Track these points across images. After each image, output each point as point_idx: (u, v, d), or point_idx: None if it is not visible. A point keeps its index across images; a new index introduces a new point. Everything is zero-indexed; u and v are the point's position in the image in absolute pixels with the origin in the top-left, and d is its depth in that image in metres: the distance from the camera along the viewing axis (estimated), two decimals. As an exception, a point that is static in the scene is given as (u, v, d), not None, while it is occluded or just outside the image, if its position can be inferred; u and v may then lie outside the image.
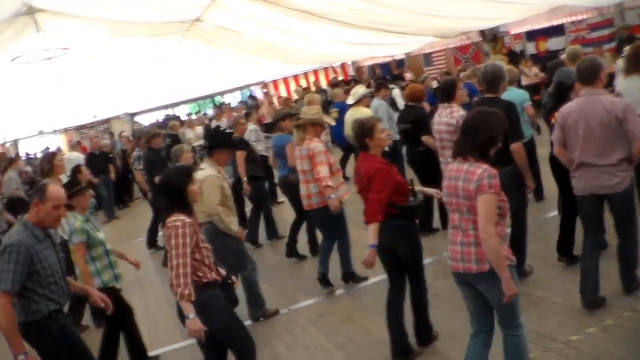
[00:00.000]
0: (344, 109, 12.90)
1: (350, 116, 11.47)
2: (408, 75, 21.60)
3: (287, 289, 8.91)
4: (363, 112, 11.06)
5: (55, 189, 5.24)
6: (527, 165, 6.96)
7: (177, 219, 4.94)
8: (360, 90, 12.16)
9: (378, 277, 7.81)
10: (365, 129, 6.00)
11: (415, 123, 9.66)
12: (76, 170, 9.76)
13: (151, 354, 7.46)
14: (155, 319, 8.92)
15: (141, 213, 16.72)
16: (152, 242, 12.77)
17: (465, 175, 4.52)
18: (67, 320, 5.45)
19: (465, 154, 4.58)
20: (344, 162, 14.34)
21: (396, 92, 16.46)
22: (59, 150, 24.66)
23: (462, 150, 4.61)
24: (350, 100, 12.13)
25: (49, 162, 9.25)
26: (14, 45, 19.50)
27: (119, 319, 6.88)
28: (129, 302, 7.38)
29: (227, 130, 9.07)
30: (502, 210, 4.54)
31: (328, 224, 8.27)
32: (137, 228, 14.24)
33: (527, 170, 6.94)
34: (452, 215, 4.75)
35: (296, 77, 30.02)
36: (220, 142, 7.73)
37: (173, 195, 5.08)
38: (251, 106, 24.30)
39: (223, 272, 5.41)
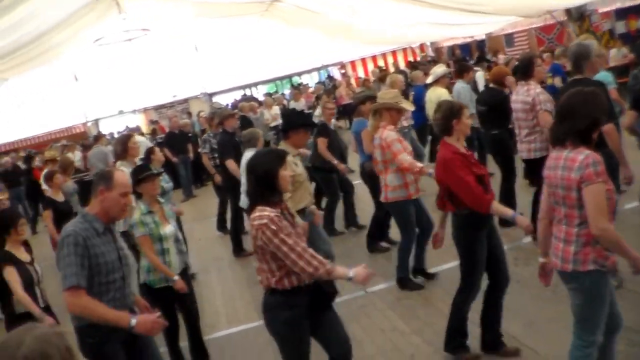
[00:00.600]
0: (421, 92, 12.54)
1: (429, 96, 11.24)
2: (501, 57, 20.90)
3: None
4: (440, 93, 10.83)
5: (122, 175, 4.76)
6: (621, 148, 6.56)
7: (262, 215, 4.36)
8: (439, 69, 11.76)
9: (456, 262, 7.65)
10: (454, 110, 5.61)
11: (491, 106, 9.36)
12: (149, 152, 9.47)
13: (228, 331, 7.55)
14: (233, 297, 8.97)
15: (213, 195, 16.84)
16: (222, 226, 12.39)
17: (564, 163, 4.14)
18: (112, 338, 4.54)
19: (562, 140, 4.18)
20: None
21: (479, 75, 15.95)
22: (137, 129, 25.15)
23: (559, 136, 4.21)
24: (428, 80, 11.83)
25: (123, 144, 8.83)
26: (96, 27, 19.85)
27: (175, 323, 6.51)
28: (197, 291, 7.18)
29: (305, 111, 8.88)
30: (609, 202, 4.08)
31: (402, 219, 7.77)
32: (214, 206, 14.31)
33: (622, 155, 6.54)
34: (556, 208, 4.36)
35: (374, 58, 29.80)
36: (295, 122, 7.50)
37: (261, 180, 4.50)
38: (329, 87, 24.23)
39: None
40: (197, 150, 18.63)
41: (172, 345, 6.64)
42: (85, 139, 24.47)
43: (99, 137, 20.20)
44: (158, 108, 28.96)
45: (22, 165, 21.19)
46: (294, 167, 6.81)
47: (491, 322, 5.78)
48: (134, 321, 4.38)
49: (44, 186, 12.49)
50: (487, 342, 5.82)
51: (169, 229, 6.49)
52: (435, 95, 10.99)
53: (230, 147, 10.77)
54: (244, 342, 7.44)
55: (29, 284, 6.28)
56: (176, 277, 6.29)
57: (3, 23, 13.37)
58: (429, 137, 13.32)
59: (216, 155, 11.71)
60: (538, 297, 5.86)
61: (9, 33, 15.61)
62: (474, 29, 23.40)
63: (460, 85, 11.50)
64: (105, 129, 28.15)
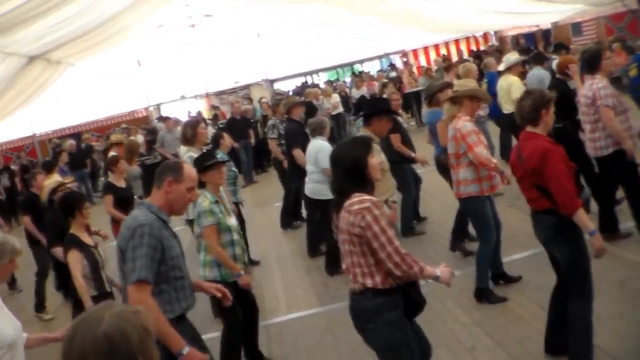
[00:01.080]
0: (495, 79, 12.08)
1: (500, 84, 11.01)
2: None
3: (426, 261, 8.50)
4: (512, 81, 10.60)
5: (190, 169, 4.52)
6: None
7: (363, 199, 4.08)
8: (512, 56, 11.44)
9: (518, 254, 7.53)
10: (545, 100, 5.22)
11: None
12: (218, 137, 9.45)
13: (288, 316, 7.62)
14: (293, 284, 9.00)
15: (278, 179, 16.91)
16: (288, 223, 11.93)
17: None
18: (186, 331, 4.41)
19: None
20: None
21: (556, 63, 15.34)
22: (199, 114, 25.40)
23: None
24: (501, 67, 11.41)
25: (193, 129, 8.65)
26: (160, 13, 20.09)
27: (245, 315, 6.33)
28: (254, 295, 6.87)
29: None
30: None
31: (478, 217, 7.14)
32: (274, 193, 14.35)
33: None
34: None
35: (436, 47, 29.51)
36: (380, 109, 7.25)
37: (350, 171, 4.21)
38: (390, 75, 24.08)
39: None
40: (258, 136, 18.77)
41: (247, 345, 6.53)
42: (147, 123, 24.86)
43: (165, 119, 20.49)
44: (219, 94, 29.17)
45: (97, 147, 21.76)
46: (381, 155, 6.59)
47: (561, 325, 5.40)
48: (185, 350, 4.07)
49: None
50: (553, 346, 5.51)
51: (233, 221, 6.32)
52: (507, 83, 10.77)
53: (298, 135, 10.60)
54: (303, 327, 7.47)
55: (95, 268, 6.29)
56: (242, 272, 6.16)
57: (70, 10, 13.61)
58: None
59: (283, 142, 11.56)
60: (604, 292, 5.70)
61: (75, 19, 15.91)
62: (540, 18, 22.96)
63: (541, 72, 11.09)
64: (166, 113, 28.48)
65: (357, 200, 4.09)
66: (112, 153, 12.04)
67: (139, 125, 23.44)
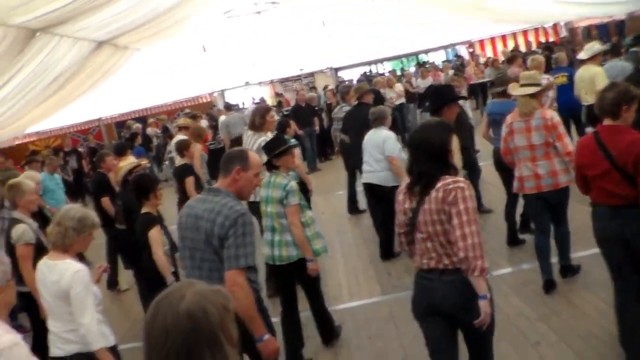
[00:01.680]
0: (571, 74, 11.70)
1: (581, 74, 10.72)
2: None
3: (490, 252, 8.27)
4: (597, 72, 10.32)
5: (255, 156, 4.66)
6: None
7: (458, 180, 4.11)
8: (595, 45, 11.08)
9: (586, 252, 7.39)
10: (630, 95, 5.02)
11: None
12: (285, 125, 9.60)
13: (351, 304, 7.66)
14: (356, 271, 8.99)
15: (342, 167, 16.86)
16: (354, 208, 12.11)
17: None
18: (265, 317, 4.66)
19: None
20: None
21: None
22: (262, 100, 25.54)
23: None
24: (582, 55, 11.00)
25: (262, 117, 8.65)
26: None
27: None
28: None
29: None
30: None
31: (566, 205, 7.11)
32: (337, 181, 14.37)
33: None
34: None
35: (503, 38, 29.08)
36: (450, 97, 7.27)
37: (436, 154, 4.20)
38: (456, 66, 23.84)
39: None
40: (322, 124, 18.77)
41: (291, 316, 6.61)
42: (210, 109, 25.11)
43: (230, 106, 20.72)
44: (283, 81, 29.28)
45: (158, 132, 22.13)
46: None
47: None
48: (266, 337, 4.31)
49: (174, 154, 12.87)
50: None
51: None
52: (590, 73, 10.46)
53: (355, 121, 10.84)
54: (365, 315, 7.45)
55: (172, 245, 6.46)
56: (314, 258, 6.28)
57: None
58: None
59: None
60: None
61: (142, 6, 16.15)
62: (614, 8, 22.34)
63: (617, 63, 10.84)
64: (230, 99, 28.73)
65: (452, 180, 4.10)
66: (178, 136, 12.46)
67: (203, 111, 23.65)
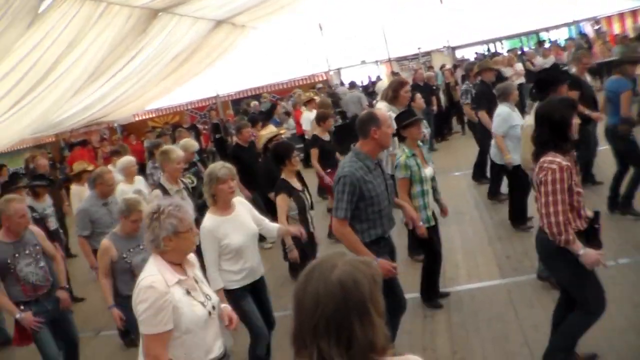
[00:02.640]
0: None
1: None
2: None
3: (612, 241, 7.79)
4: None
5: (383, 113, 5.50)
6: None
7: (553, 161, 4.57)
8: None
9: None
10: None
11: None
12: (411, 99, 9.44)
13: (468, 285, 7.55)
14: (474, 252, 8.75)
15: (459, 147, 16.55)
16: (480, 175, 12.35)
17: None
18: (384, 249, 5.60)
19: None
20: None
21: None
22: (379, 79, 25.31)
23: None
24: None
25: (395, 90, 8.60)
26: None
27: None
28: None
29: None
30: None
31: None
32: (454, 161, 14.12)
33: None
34: None
35: (634, 13, 27.49)
36: (560, 78, 7.21)
37: (555, 127, 4.66)
38: (580, 44, 22.86)
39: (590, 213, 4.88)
40: (440, 104, 18.42)
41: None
42: (328, 87, 25.12)
43: (353, 84, 20.81)
44: (400, 60, 28.89)
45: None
46: None
47: None
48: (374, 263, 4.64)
49: (305, 126, 13.30)
50: None
51: (429, 170, 6.85)
52: None
53: (485, 99, 10.86)
54: (483, 298, 7.24)
55: (302, 210, 7.00)
56: (421, 224, 6.53)
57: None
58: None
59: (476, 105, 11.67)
60: None
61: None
62: None
63: None
64: (346, 78, 28.65)
65: (549, 160, 4.61)
66: (305, 111, 13.56)
67: (321, 90, 23.66)
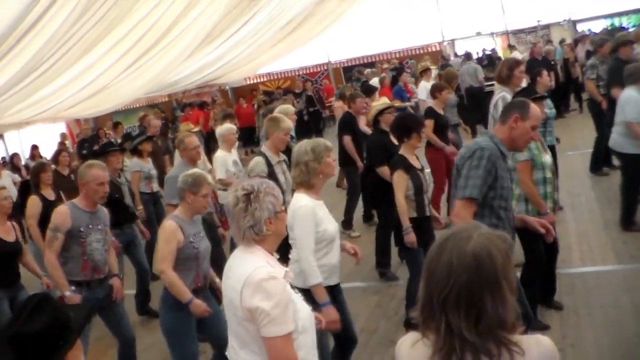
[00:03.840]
0: None
1: None
2: None
3: None
4: None
5: (536, 108, 4.59)
6: None
7: None
8: None
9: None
10: None
11: None
12: (536, 74, 9.00)
13: (581, 269, 7.32)
14: (587, 236, 8.41)
15: (576, 126, 15.96)
16: (596, 168, 11.36)
17: None
18: None
19: None
20: None
21: None
22: (494, 53, 24.66)
23: None
24: None
25: (510, 69, 8.05)
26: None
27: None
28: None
29: None
30: None
31: None
32: (571, 140, 13.66)
33: None
34: None
35: None
36: None
37: None
38: None
39: None
40: (558, 80, 17.76)
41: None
42: (441, 58, 24.67)
43: (469, 55, 20.34)
44: (517, 32, 27.96)
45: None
46: None
47: None
48: (509, 238, 4.38)
49: (421, 96, 13.03)
50: None
51: (547, 158, 6.16)
52: None
53: (619, 75, 9.61)
54: (597, 283, 6.94)
55: (419, 191, 6.42)
56: (548, 211, 5.93)
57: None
58: None
59: (601, 83, 10.88)
60: None
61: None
62: None
63: None
64: (460, 49, 28.03)
65: None
66: (422, 81, 12.93)
67: (433, 61, 23.21)
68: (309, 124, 21.44)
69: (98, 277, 5.84)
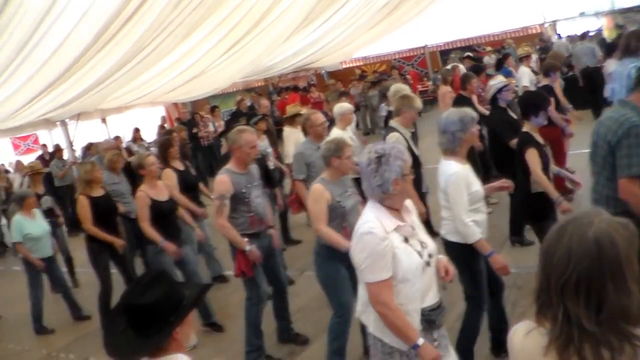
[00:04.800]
0: None
1: None
2: None
3: None
4: None
5: None
6: None
7: None
8: None
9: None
10: None
11: None
12: None
13: None
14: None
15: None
16: None
17: None
18: None
19: None
20: None
21: None
22: (599, 32, 23.74)
23: None
24: None
25: (639, 39, 7.86)
26: None
27: None
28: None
29: None
30: None
31: None
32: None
33: None
34: None
35: None
36: None
37: None
38: None
39: None
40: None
41: None
42: (541, 40, 23.95)
43: (584, 35, 19.80)
44: (625, 11, 26.70)
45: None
46: None
47: None
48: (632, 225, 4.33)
49: (525, 82, 12.82)
50: None
51: None
52: None
53: None
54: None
55: (546, 166, 6.38)
56: None
57: None
58: None
59: None
60: None
61: None
62: None
63: None
64: (562, 31, 27.11)
65: None
66: (522, 67, 12.70)
67: (533, 43, 22.52)
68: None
69: (263, 227, 6.45)
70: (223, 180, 6.17)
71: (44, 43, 11.09)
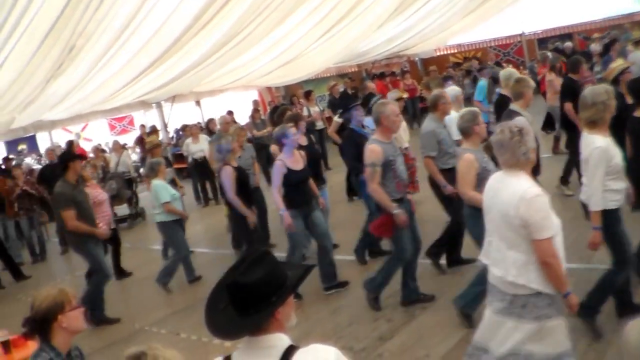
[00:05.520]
0: None
1: None
2: None
3: None
4: None
5: None
6: None
7: None
8: None
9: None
10: None
11: None
12: None
13: None
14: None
15: None
16: None
17: None
18: None
19: None
20: None
21: None
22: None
23: None
24: None
25: None
26: None
27: None
28: None
29: None
30: None
31: None
32: None
33: None
34: None
35: None
36: None
37: None
38: None
39: None
40: None
41: None
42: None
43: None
44: None
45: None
46: None
47: None
48: None
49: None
50: None
51: None
52: None
53: None
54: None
55: None
56: None
57: None
58: None
59: None
60: None
61: None
62: None
63: None
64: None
65: None
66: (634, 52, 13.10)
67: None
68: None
69: (406, 192, 7.06)
70: (374, 149, 6.68)
71: (142, 28, 11.38)
